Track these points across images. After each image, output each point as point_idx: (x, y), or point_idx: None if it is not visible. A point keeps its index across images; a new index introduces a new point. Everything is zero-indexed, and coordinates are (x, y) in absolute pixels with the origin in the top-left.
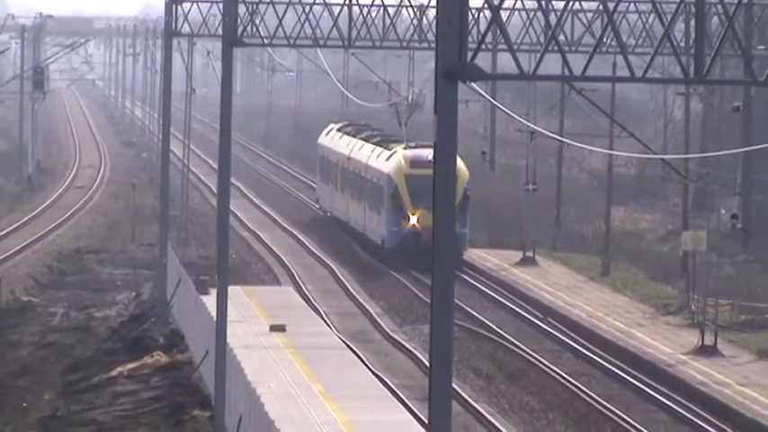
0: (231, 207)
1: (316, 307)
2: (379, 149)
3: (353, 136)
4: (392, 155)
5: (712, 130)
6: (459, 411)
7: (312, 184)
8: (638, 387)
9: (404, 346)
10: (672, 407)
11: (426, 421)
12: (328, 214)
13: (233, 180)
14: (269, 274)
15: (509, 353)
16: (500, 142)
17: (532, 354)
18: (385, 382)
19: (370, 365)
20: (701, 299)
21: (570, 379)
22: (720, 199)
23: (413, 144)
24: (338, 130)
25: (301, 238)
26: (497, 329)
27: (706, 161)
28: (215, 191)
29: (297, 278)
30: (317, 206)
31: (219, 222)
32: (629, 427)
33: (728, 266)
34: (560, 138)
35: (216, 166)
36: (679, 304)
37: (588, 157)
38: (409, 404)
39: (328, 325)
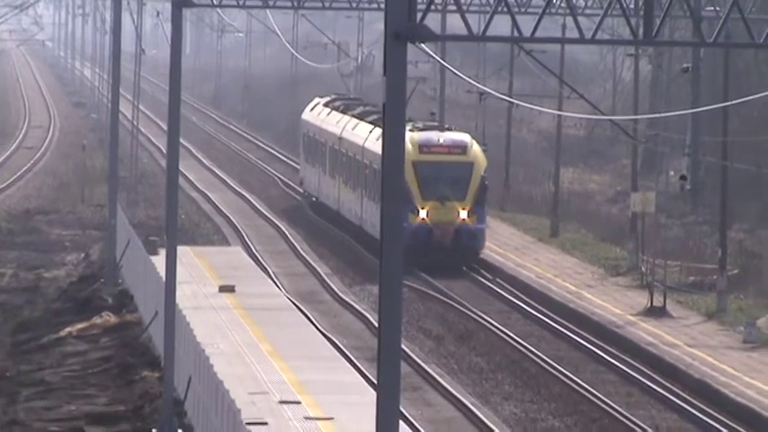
0: (180, 168)
1: (265, 267)
2: (378, 130)
3: (344, 112)
4: None
5: (661, 92)
6: (408, 372)
7: (262, 144)
8: (587, 348)
9: (353, 306)
10: (621, 367)
11: (375, 382)
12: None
13: (182, 141)
14: (218, 235)
15: (458, 314)
16: (449, 103)
17: (482, 315)
18: (334, 342)
19: (319, 326)
20: (649, 260)
21: (519, 340)
22: (669, 160)
23: (420, 125)
24: (326, 105)
25: (250, 199)
26: (446, 291)
27: (655, 122)
28: (164, 152)
29: (246, 239)
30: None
31: (169, 183)
32: (578, 387)
33: (677, 228)
34: (510, 99)
35: (165, 127)
36: (628, 265)
37: (537, 119)
38: (358, 365)
39: (277, 285)
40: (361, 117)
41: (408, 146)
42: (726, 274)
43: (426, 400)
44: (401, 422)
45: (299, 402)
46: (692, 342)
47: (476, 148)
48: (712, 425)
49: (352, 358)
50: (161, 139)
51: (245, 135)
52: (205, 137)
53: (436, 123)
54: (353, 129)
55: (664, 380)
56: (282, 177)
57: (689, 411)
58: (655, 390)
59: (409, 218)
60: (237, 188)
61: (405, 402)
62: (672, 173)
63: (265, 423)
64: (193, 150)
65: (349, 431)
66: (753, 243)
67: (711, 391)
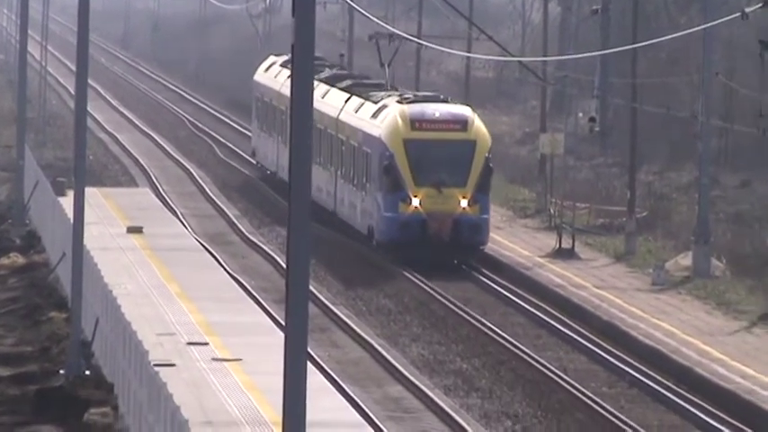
0: (89, 109)
1: (173, 209)
2: (358, 100)
3: None
4: (382, 110)
5: (570, 34)
6: (316, 313)
7: (171, 85)
8: (496, 290)
9: (261, 248)
10: (529, 309)
11: (283, 323)
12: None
13: (91, 82)
14: (126, 176)
15: (366, 256)
16: (358, 44)
17: (390, 258)
18: (242, 283)
19: (227, 267)
20: (558, 202)
21: (427, 282)
22: (578, 102)
23: (409, 95)
24: (283, 65)
25: (159, 141)
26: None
27: (564, 64)
28: (73, 93)
29: (154, 180)
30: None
31: (77, 124)
32: (486, 329)
33: (586, 170)
34: (418, 40)
35: (74, 68)
36: (537, 207)
37: (446, 61)
38: (266, 306)
39: (185, 227)
40: (331, 83)
41: (398, 121)
42: (634, 217)
43: (334, 342)
44: (309, 363)
45: (206, 344)
46: (600, 284)
47: (478, 124)
48: (620, 366)
49: (260, 300)
50: (69, 80)
51: (153, 76)
52: (114, 78)
53: (430, 94)
54: (323, 96)
55: (572, 322)
56: (191, 118)
57: (597, 353)
58: (563, 331)
59: (400, 207)
60: (146, 129)
61: (313, 344)
62: (580, 115)
63: (173, 365)
64: (102, 91)
65: (257, 372)
66: (661, 185)
67: (619, 333)
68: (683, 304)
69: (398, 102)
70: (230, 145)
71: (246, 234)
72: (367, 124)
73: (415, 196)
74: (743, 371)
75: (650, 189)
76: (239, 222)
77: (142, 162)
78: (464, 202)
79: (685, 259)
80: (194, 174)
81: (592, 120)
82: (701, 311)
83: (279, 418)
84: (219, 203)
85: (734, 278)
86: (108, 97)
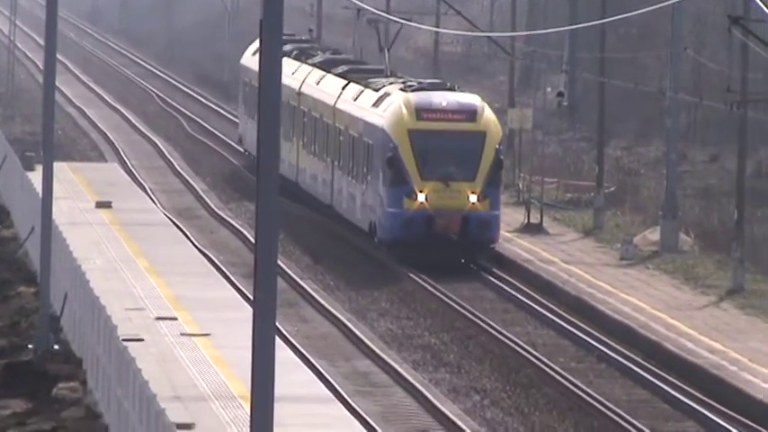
0: (57, 83)
1: (141, 183)
2: (356, 87)
3: (302, 60)
4: (384, 98)
5: (539, 8)
6: (284, 288)
7: (140, 60)
8: (464, 265)
9: (230, 223)
10: (497, 284)
11: (252, 298)
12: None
13: (59, 57)
14: (94, 151)
15: (336, 231)
16: (327, 20)
17: (358, 233)
18: (210, 258)
19: (195, 242)
20: (526, 177)
21: (395, 256)
22: (546, 77)
23: (413, 82)
24: None
25: (127, 115)
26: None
27: (532, 39)
28: (41, 67)
29: (122, 155)
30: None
31: (45, 98)
32: (454, 304)
33: (554, 144)
34: (387, 15)
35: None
36: (505, 182)
37: (415, 35)
38: (234, 281)
39: (154, 202)
40: (326, 68)
41: (402, 110)
42: (603, 192)
43: (302, 316)
44: (277, 338)
45: (175, 319)
46: (568, 259)
47: (488, 114)
48: (588, 341)
49: (229, 274)
50: (38, 55)
51: (122, 51)
52: (82, 52)
53: (436, 81)
54: (318, 83)
55: (540, 296)
56: (160, 93)
57: (565, 328)
58: (531, 306)
59: (404, 202)
60: (114, 104)
61: (281, 318)
62: (549, 89)
63: (141, 339)
64: (70, 66)
65: (225, 347)
66: (630, 160)
67: (587, 308)
68: (651, 279)
69: (402, 90)
70: (199, 120)
71: (215, 209)
72: (368, 113)
73: (421, 191)
74: (711, 345)
75: (618, 164)
76: (207, 197)
77: (111, 137)
78: (473, 198)
79: (653, 234)
80: (163, 149)
81: (560, 95)
82: (669, 286)
83: (247, 392)
84: (188, 178)
85: (702, 253)
86: (77, 72)
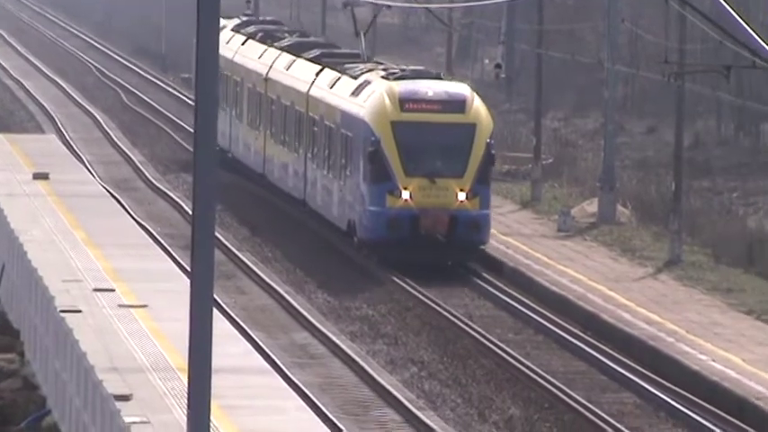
0: None
1: (79, 155)
2: (332, 74)
3: (268, 44)
4: (365, 86)
5: None
6: (222, 260)
7: (78, 32)
8: None
9: (167, 194)
10: None
11: (189, 269)
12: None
13: None
14: (32, 123)
15: (274, 203)
16: None
17: (299, 207)
18: (148, 230)
19: (133, 214)
20: None
21: (332, 227)
22: (484, 48)
23: (395, 70)
24: (237, 31)
25: (65, 87)
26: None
27: (470, 10)
28: None
29: (60, 126)
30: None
31: None
32: (393, 277)
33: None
34: None
35: None
36: None
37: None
38: (172, 252)
39: (92, 173)
40: (296, 52)
41: (385, 100)
42: (540, 163)
43: (240, 288)
44: (215, 310)
45: (113, 290)
46: (506, 230)
47: (478, 105)
48: (525, 312)
49: (166, 246)
50: None
51: (60, 23)
52: (20, 25)
53: (420, 68)
54: (288, 68)
55: (481, 270)
56: (98, 66)
57: (503, 300)
58: (469, 278)
59: (387, 200)
60: (52, 76)
61: (218, 290)
62: (487, 61)
63: (79, 311)
64: (7, 38)
65: (163, 319)
66: (567, 132)
67: (525, 280)
68: (588, 251)
69: (384, 77)
70: (137, 92)
71: (152, 180)
72: (346, 103)
73: (405, 188)
74: (648, 317)
75: (556, 135)
76: (145, 169)
77: (48, 109)
78: (462, 195)
79: (591, 206)
80: (101, 121)
81: (498, 66)
82: (606, 258)
83: (185, 364)
84: (126, 150)
85: (639, 225)
86: (14, 44)
